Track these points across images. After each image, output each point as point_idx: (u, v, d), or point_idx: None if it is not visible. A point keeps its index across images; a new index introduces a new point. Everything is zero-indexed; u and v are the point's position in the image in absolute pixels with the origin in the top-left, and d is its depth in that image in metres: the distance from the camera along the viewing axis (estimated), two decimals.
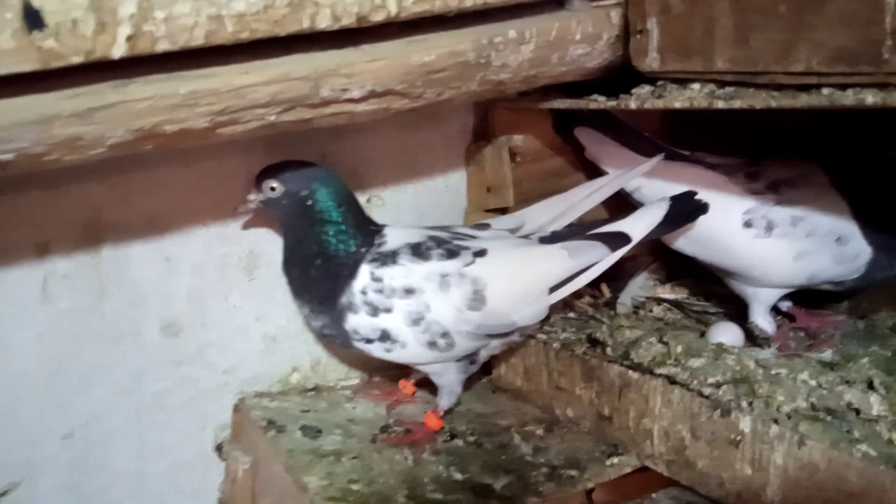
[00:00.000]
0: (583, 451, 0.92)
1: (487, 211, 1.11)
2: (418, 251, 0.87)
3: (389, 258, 0.87)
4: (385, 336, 0.86)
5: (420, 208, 1.10)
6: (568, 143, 1.09)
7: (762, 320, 0.97)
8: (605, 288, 1.16)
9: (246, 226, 0.97)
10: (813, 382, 0.84)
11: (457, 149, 1.12)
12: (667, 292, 1.18)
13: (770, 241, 0.92)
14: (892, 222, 0.91)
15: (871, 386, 0.82)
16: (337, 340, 0.90)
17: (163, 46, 0.62)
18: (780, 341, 0.96)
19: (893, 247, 0.92)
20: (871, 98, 0.70)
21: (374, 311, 0.85)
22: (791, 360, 0.89)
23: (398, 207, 1.08)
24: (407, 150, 1.08)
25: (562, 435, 0.96)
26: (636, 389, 0.90)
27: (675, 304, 1.14)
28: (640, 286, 1.18)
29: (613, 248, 0.90)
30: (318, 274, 0.87)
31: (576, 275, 0.89)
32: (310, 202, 0.87)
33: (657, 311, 1.12)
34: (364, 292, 0.86)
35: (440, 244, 0.88)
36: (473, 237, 0.91)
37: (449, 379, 0.92)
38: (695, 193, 0.95)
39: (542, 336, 1.03)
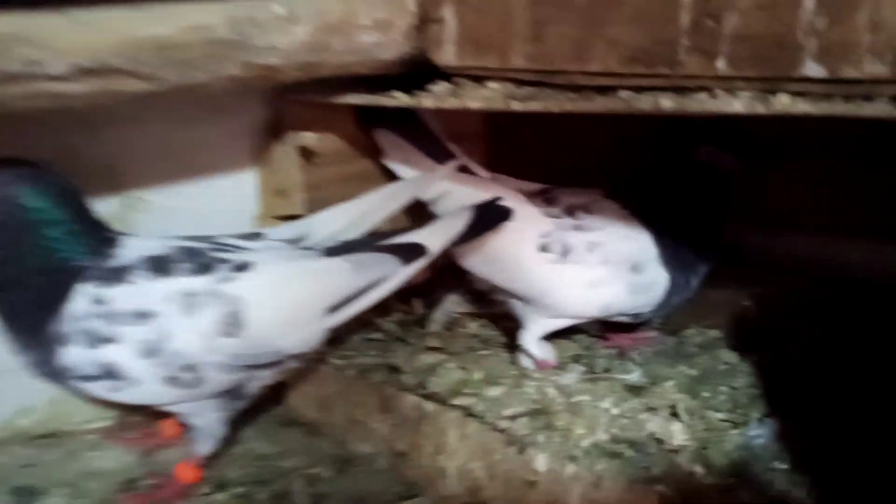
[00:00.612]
0: (373, 496, 0.80)
1: (280, 218, 0.98)
2: (159, 265, 0.72)
3: (117, 274, 0.71)
4: (110, 373, 0.70)
5: (200, 214, 0.93)
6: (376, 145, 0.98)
7: (533, 346, 0.90)
8: (417, 304, 1.06)
9: None
10: (615, 411, 0.78)
11: (245, 146, 0.98)
12: (483, 307, 1.10)
13: (565, 266, 0.86)
14: (686, 241, 0.88)
15: (674, 413, 0.78)
16: (52, 381, 0.73)
17: None
18: (545, 367, 0.89)
19: (689, 266, 0.89)
20: (667, 103, 0.64)
21: (94, 341, 0.69)
22: (595, 384, 0.83)
23: (170, 213, 0.91)
24: (181, 145, 0.92)
25: (354, 475, 0.84)
26: (431, 422, 0.80)
27: (491, 319, 1.06)
28: (454, 301, 1.09)
29: (407, 261, 0.79)
30: (27, 296, 0.70)
31: (362, 291, 0.78)
32: (20, 206, 0.69)
33: (472, 327, 1.04)
34: (80, 318, 0.69)
35: (191, 257, 0.73)
36: (239, 249, 0.77)
37: (206, 420, 0.77)
38: (499, 199, 0.87)
39: (339, 361, 0.91)
